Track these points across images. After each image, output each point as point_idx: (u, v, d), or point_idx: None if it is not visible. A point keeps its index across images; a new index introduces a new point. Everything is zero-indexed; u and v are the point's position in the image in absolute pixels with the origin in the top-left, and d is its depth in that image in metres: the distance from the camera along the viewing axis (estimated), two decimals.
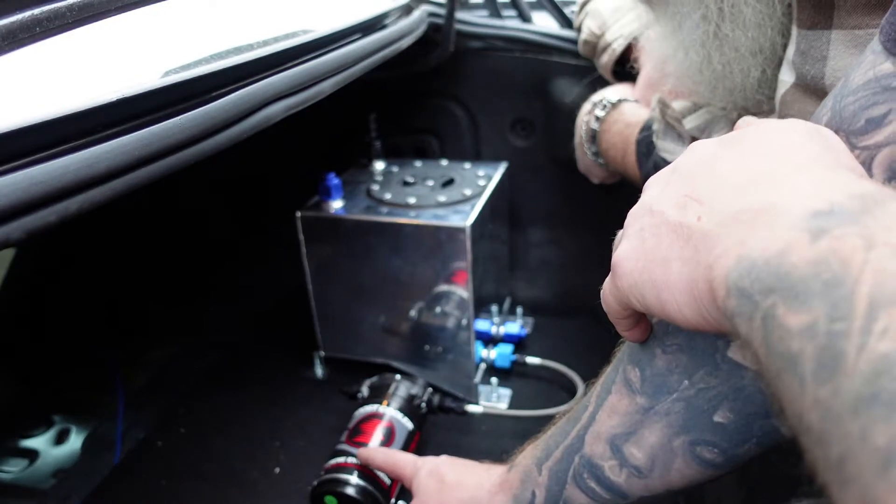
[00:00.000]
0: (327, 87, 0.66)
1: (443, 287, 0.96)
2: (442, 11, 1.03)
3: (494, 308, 1.12)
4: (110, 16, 0.46)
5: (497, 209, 1.07)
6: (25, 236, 0.36)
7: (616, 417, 0.47)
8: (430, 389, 0.95)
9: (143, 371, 1.17)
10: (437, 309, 0.97)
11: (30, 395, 1.16)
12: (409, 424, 0.86)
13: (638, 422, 0.45)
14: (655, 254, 0.32)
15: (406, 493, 0.85)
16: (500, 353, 1.05)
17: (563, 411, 0.58)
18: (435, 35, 1.05)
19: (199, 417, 1.02)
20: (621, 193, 0.98)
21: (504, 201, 1.13)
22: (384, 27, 0.85)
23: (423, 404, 0.92)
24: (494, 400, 1.01)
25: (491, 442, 0.94)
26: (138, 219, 1.35)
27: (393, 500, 0.80)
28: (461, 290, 0.94)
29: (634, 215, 0.36)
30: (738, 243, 0.27)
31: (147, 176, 0.42)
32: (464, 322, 0.96)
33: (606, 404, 0.48)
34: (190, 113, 0.46)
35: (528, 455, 0.56)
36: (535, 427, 0.95)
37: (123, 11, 0.48)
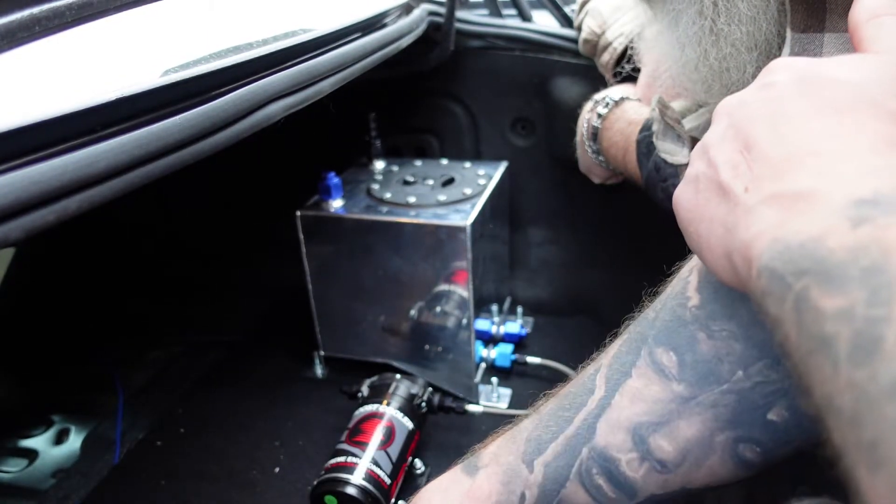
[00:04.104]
0: (327, 86, 0.66)
1: (443, 286, 0.95)
2: (442, 10, 1.03)
3: (494, 308, 1.12)
4: (109, 15, 0.46)
5: (497, 209, 1.06)
6: (24, 235, 0.35)
7: (641, 404, 0.42)
8: (430, 389, 0.95)
9: (142, 371, 1.17)
10: (438, 308, 0.97)
11: (29, 394, 1.16)
12: (409, 424, 0.86)
13: (672, 411, 0.41)
14: (704, 210, 0.33)
15: (407, 492, 0.85)
16: (500, 353, 1.05)
17: (543, 396, 0.51)
18: (435, 34, 1.05)
19: (198, 417, 1.02)
20: (621, 193, 0.98)
21: (504, 201, 1.13)
22: (384, 26, 0.85)
23: (423, 404, 0.91)
24: (495, 400, 1.01)
25: None
26: (138, 218, 1.34)
27: (393, 500, 0.80)
28: (461, 290, 0.94)
29: (699, 152, 0.36)
30: (775, 226, 0.27)
31: (146, 175, 0.42)
32: (464, 321, 0.96)
33: (626, 388, 0.43)
34: (189, 112, 0.46)
35: (504, 451, 0.49)
36: None
37: (122, 10, 0.47)
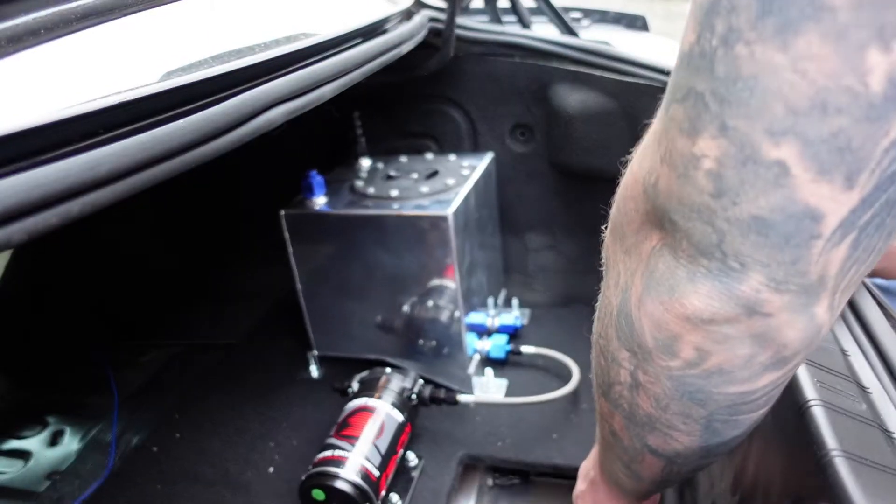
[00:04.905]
0: (328, 91, 0.66)
1: (431, 279, 0.95)
2: (442, 16, 1.04)
3: (490, 301, 1.12)
4: (113, 19, 0.46)
5: (484, 198, 1.06)
6: (27, 238, 0.35)
7: None
8: (421, 381, 0.95)
9: (137, 373, 1.17)
10: (428, 302, 0.97)
11: (24, 395, 1.15)
12: (400, 416, 0.86)
13: None
14: None
15: (400, 484, 0.85)
16: (494, 344, 1.05)
17: None
18: (435, 40, 1.05)
19: (193, 420, 1.02)
20: None
21: (491, 191, 1.12)
22: (385, 32, 0.86)
23: (414, 396, 0.91)
24: (491, 390, 1.01)
25: (486, 431, 0.94)
26: (132, 221, 1.34)
27: (383, 493, 0.80)
28: (448, 281, 0.94)
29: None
30: None
31: (149, 179, 0.42)
32: (455, 314, 0.96)
33: None
34: (192, 116, 0.46)
35: None
36: (529, 414, 0.95)
37: (126, 15, 0.48)
